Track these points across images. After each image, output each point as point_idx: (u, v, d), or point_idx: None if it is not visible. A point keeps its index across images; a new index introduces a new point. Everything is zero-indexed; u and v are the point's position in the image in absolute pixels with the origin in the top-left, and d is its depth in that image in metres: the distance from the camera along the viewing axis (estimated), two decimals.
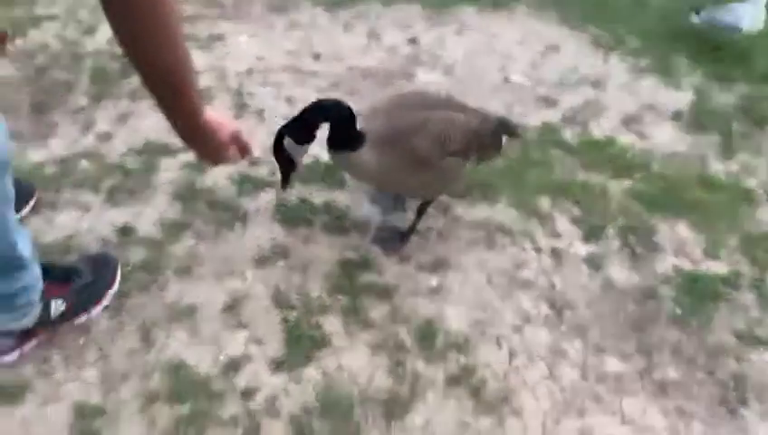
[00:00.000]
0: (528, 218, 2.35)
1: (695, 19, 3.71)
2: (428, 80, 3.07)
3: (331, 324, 1.82)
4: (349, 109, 1.76)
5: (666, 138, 2.98)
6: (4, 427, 1.47)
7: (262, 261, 1.97)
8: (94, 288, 1.73)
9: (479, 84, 3.11)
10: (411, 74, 3.09)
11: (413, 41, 3.38)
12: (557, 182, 2.54)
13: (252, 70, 2.86)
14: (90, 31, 2.95)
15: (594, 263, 2.22)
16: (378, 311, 1.89)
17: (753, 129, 3.02)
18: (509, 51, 3.42)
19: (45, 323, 1.61)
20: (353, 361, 1.74)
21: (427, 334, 1.85)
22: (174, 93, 1.27)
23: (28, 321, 1.56)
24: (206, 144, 1.40)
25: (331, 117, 1.76)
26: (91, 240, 1.94)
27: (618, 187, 2.60)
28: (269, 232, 2.07)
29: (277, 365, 1.69)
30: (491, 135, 2.04)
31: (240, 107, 2.61)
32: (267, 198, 2.17)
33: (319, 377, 1.69)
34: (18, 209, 1.94)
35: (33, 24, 2.94)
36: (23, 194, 1.97)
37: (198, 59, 2.88)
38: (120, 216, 2.04)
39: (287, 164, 1.79)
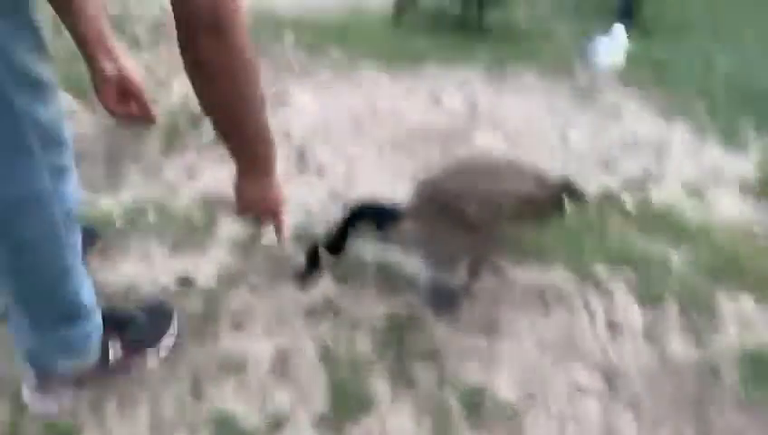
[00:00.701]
0: (583, 284, 2.31)
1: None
2: (487, 142, 3.10)
3: (378, 384, 1.82)
4: (375, 206, 1.96)
5: (729, 206, 2.90)
6: None
7: (312, 314, 2.00)
8: (151, 335, 1.78)
9: (538, 148, 3.12)
10: (470, 136, 3.13)
11: (472, 103, 3.43)
12: (615, 249, 2.49)
13: (315, 129, 2.96)
14: (165, 86, 3.13)
15: (651, 334, 2.15)
16: (424, 373, 1.87)
17: None
18: (569, 114, 3.43)
19: (102, 368, 1.67)
20: (398, 424, 1.72)
21: (475, 401, 1.82)
22: (254, 154, 1.39)
23: (86, 366, 1.62)
24: (268, 205, 1.50)
25: (365, 219, 1.95)
26: (151, 290, 2.01)
27: (678, 256, 2.53)
28: (321, 287, 2.10)
29: (320, 421, 1.69)
30: (550, 200, 2.04)
31: (301, 164, 2.69)
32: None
33: None
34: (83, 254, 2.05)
35: None
36: (85, 240, 2.07)
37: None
38: (180, 265, 2.11)
39: (313, 271, 1.98)
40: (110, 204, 2.35)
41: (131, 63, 1.61)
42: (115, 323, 1.72)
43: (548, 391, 1.90)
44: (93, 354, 1.63)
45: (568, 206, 2.18)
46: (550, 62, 3.95)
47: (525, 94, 3.60)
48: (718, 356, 2.10)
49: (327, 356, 1.88)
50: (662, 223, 2.69)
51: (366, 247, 2.25)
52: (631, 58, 4.01)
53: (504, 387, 1.88)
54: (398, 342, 1.95)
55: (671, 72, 4.14)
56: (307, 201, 2.46)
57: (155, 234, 2.22)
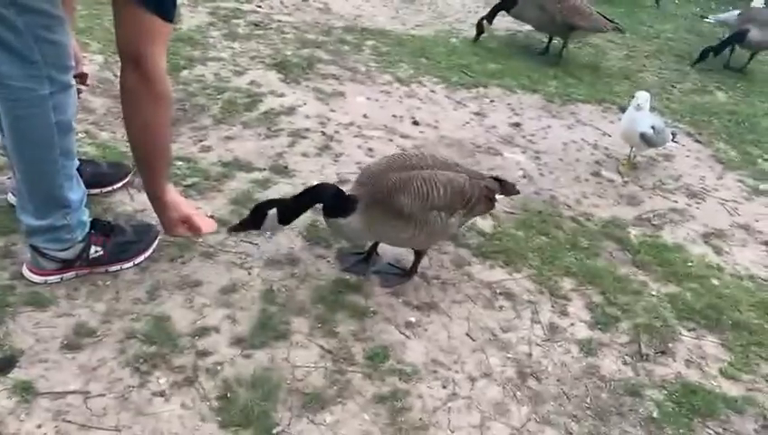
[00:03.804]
0: (541, 293, 2.40)
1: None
2: (512, 159, 3.24)
3: (299, 325, 2.07)
4: (336, 189, 2.09)
5: (746, 260, 2.81)
6: (22, 322, 1.93)
7: (272, 263, 2.29)
8: (132, 247, 2.17)
9: (564, 173, 3.21)
10: (497, 151, 3.28)
11: (516, 125, 3.58)
12: (591, 270, 2.54)
13: (352, 123, 3.28)
14: (240, 73, 3.60)
15: (588, 347, 2.20)
16: (345, 326, 2.10)
17: None
18: (615, 150, 3.46)
19: (83, 260, 2.07)
20: (300, 358, 1.96)
21: (379, 356, 2.01)
22: (146, 169, 1.90)
23: (69, 254, 2.03)
24: (161, 215, 1.98)
25: (322, 198, 2.08)
26: (153, 216, 2.40)
27: (658, 289, 2.53)
28: (290, 243, 2.39)
29: (237, 341, 1.98)
30: (478, 193, 2.22)
31: (323, 148, 3.01)
32: (304, 218, 2.48)
33: (265, 360, 1.94)
34: (112, 183, 2.51)
35: (202, 62, 3.67)
36: (121, 173, 2.53)
37: (313, 107, 3.38)
38: None
39: (251, 226, 2.06)
40: None
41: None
42: (104, 229, 2.13)
43: (455, 367, 2.04)
44: (76, 247, 2.04)
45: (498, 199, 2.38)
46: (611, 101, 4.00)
47: (576, 127, 3.68)
48: (649, 380, 2.12)
49: (268, 296, 2.16)
50: (657, 259, 2.69)
51: None
52: None
53: (414, 353, 2.05)
54: (335, 298, 2.19)
55: (745, 127, 4.01)
56: (313, 179, 2.77)
57: (176, 180, 2.63)
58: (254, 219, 2.05)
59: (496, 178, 2.38)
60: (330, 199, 2.09)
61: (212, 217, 2.40)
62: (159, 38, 1.67)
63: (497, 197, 2.35)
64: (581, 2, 4.35)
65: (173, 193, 1.97)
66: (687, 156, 3.59)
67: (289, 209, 2.07)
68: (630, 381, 2.11)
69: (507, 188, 2.38)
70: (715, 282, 2.62)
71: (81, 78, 2.24)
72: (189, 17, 4.24)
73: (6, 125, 1.85)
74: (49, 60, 1.76)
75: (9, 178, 2.39)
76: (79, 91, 2.22)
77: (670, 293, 2.52)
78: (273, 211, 2.03)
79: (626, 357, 2.21)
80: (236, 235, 2.08)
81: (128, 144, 2.69)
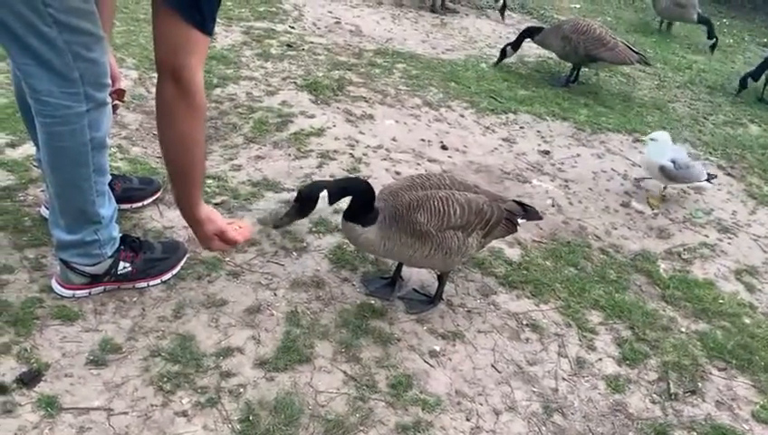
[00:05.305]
0: (568, 326, 2.37)
1: None
2: (541, 187, 3.21)
3: (323, 349, 2.06)
4: (371, 192, 2.04)
5: None
6: (49, 336, 1.94)
7: (297, 284, 2.28)
8: (160, 265, 2.18)
9: (593, 203, 3.17)
10: (526, 179, 3.26)
11: (546, 152, 3.56)
12: (620, 304, 2.50)
13: (380, 146, 3.28)
14: (272, 93, 3.63)
15: (616, 384, 2.16)
16: (369, 352, 2.08)
17: None
18: (647, 181, 3.42)
19: (112, 276, 2.09)
20: (323, 383, 1.95)
21: (402, 384, 1.98)
22: (180, 184, 1.86)
23: (98, 269, 2.05)
24: (196, 229, 1.93)
25: (360, 193, 2.04)
26: (182, 233, 2.42)
27: (687, 326, 2.47)
28: (316, 265, 2.39)
29: (261, 363, 1.97)
30: (497, 215, 2.20)
31: (351, 170, 3.02)
32: (331, 240, 2.50)
33: (288, 384, 1.92)
34: (142, 199, 2.53)
35: (235, 81, 3.72)
36: (151, 189, 2.55)
37: (343, 129, 3.39)
38: None
39: (301, 215, 2.04)
40: None
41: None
42: (134, 246, 2.15)
43: (479, 399, 2.01)
44: (105, 262, 2.06)
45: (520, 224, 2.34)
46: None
47: (606, 156, 3.64)
48: (678, 421, 2.07)
49: (293, 318, 2.15)
50: (688, 295, 2.64)
51: None
52: None
53: (438, 384, 2.03)
54: (360, 322, 2.17)
55: None
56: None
57: (204, 197, 2.64)
58: (303, 208, 2.02)
59: (519, 203, 2.36)
60: (360, 198, 2.05)
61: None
62: (197, 51, 1.68)
63: (521, 222, 2.33)
64: (606, 33, 4.34)
65: (206, 207, 1.94)
66: (719, 190, 3.54)
67: (335, 193, 2.04)
68: (658, 421, 2.06)
69: (530, 212, 2.35)
70: (747, 321, 2.57)
71: (119, 94, 2.27)
72: (223, 36, 4.30)
73: (43, 141, 1.87)
74: (87, 78, 1.79)
75: (43, 191, 2.43)
76: (115, 108, 2.25)
77: (700, 330, 2.47)
78: (324, 193, 2.00)
79: (654, 395, 2.16)
80: (283, 228, 2.01)
81: (159, 159, 2.73)
